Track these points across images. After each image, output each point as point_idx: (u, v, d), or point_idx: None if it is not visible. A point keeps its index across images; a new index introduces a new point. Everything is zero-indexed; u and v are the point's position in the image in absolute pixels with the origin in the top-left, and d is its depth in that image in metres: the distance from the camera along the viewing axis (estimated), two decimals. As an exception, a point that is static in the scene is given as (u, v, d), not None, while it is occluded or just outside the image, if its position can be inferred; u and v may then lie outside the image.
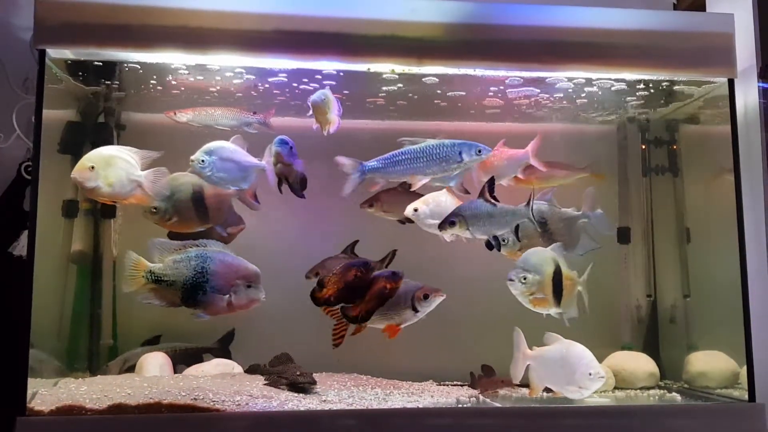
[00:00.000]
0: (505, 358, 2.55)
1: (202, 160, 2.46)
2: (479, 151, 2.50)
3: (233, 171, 2.51)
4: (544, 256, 2.48)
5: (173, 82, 2.72)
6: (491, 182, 2.48)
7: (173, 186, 2.52)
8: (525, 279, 2.42)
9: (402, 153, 2.51)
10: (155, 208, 2.51)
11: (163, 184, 2.46)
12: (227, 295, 2.23)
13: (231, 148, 2.52)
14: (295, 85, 2.72)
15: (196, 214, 2.56)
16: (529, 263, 2.45)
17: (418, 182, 2.54)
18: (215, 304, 2.22)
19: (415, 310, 2.40)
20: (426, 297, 2.38)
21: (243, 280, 2.24)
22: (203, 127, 2.67)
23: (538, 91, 2.81)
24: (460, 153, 2.48)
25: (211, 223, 2.59)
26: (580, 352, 2.46)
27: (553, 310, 2.49)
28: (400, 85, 2.73)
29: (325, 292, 2.36)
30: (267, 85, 2.74)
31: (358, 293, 2.38)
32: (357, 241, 2.64)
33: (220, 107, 2.69)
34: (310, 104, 2.44)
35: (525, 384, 2.68)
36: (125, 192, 2.42)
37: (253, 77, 2.68)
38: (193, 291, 2.22)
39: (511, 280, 2.42)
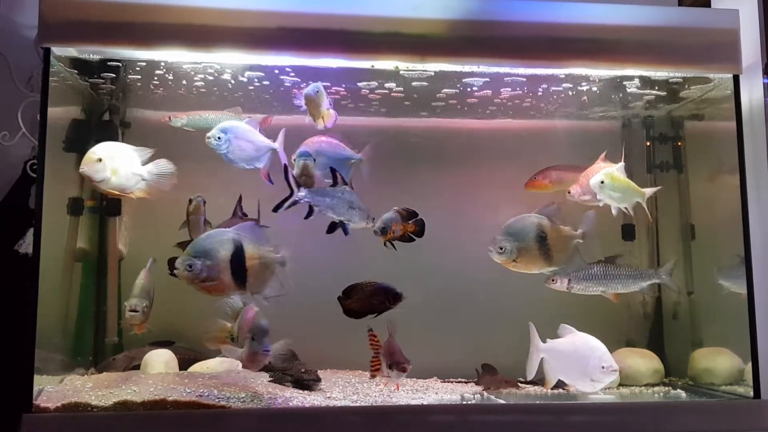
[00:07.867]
0: (509, 354, 2.54)
1: (219, 137, 2.46)
2: None
3: (248, 150, 2.51)
4: (221, 239, 2.29)
5: (177, 80, 2.72)
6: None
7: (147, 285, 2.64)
8: (191, 267, 2.21)
9: None
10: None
11: (167, 174, 2.48)
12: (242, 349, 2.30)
13: (245, 127, 2.53)
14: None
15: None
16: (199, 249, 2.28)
17: None
18: (239, 356, 2.31)
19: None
20: (390, 367, 2.36)
21: (249, 333, 2.27)
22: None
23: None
24: None
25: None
26: (594, 344, 2.44)
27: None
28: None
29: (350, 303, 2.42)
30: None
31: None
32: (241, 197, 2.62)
33: (213, 111, 2.68)
34: (303, 97, 2.43)
35: (526, 382, 2.69)
36: (130, 185, 2.45)
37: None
38: (240, 345, 2.30)
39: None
